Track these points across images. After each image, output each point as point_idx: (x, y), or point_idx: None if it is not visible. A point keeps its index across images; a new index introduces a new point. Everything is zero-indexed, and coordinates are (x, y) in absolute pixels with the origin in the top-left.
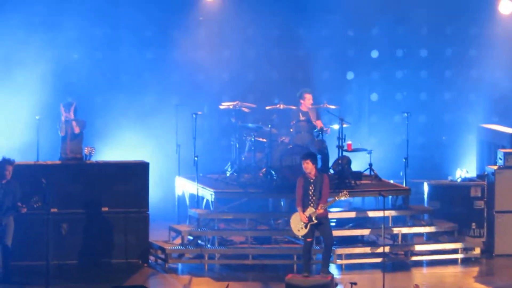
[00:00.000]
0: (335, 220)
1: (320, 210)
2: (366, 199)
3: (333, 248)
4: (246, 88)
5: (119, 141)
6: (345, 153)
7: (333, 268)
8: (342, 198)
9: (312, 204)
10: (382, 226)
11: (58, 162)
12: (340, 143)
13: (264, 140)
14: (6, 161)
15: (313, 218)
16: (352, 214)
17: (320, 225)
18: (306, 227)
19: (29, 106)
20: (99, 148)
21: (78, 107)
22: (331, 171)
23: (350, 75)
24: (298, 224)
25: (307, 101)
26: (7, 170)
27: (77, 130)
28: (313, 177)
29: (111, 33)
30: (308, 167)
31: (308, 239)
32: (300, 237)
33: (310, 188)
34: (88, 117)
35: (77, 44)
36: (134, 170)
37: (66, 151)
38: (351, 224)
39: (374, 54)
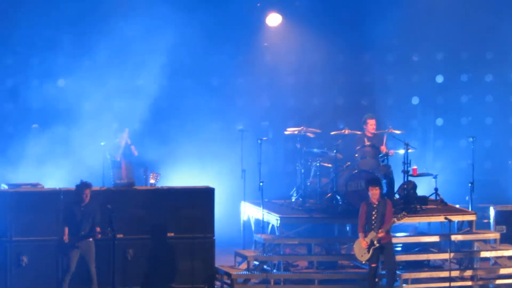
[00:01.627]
0: (401, 245)
1: (381, 234)
2: (432, 223)
3: (398, 272)
4: (311, 113)
5: (185, 167)
6: (410, 178)
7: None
8: (402, 221)
9: (374, 229)
10: (449, 250)
11: (124, 188)
12: (406, 168)
13: (330, 165)
14: (84, 185)
15: (375, 242)
16: (419, 239)
17: (383, 250)
18: (368, 251)
19: (93, 132)
20: (164, 174)
21: (141, 133)
22: (397, 195)
23: (415, 100)
24: (361, 249)
25: (370, 126)
26: (85, 194)
27: (136, 153)
28: (376, 202)
29: (175, 59)
30: (376, 193)
31: (373, 265)
32: (364, 262)
33: (374, 213)
34: (154, 143)
35: (142, 69)
36: (199, 196)
37: (121, 176)
38: (417, 249)
39: (439, 79)
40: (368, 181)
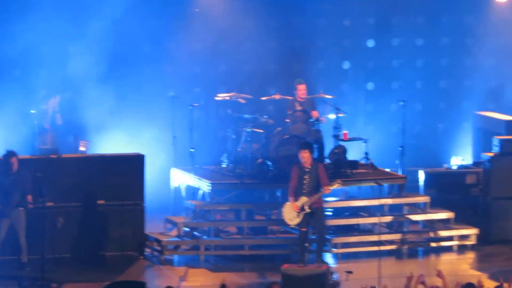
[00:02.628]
0: (331, 209)
1: (328, 191)
2: (362, 187)
3: (329, 237)
4: (243, 79)
5: (114, 134)
6: (341, 143)
7: (329, 257)
8: (336, 187)
9: (305, 194)
10: (378, 214)
11: (54, 156)
12: (336, 133)
13: (261, 131)
14: (10, 153)
15: (306, 207)
16: (349, 203)
17: (314, 215)
18: (298, 216)
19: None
20: (94, 141)
21: (72, 100)
22: (327, 160)
23: (346, 65)
24: (290, 213)
25: (300, 91)
26: (10, 162)
27: (60, 122)
28: (309, 167)
29: (107, 25)
30: (305, 156)
31: (303, 229)
32: (293, 226)
33: (305, 177)
34: (83, 110)
35: (74, 36)
36: (129, 163)
37: (46, 142)
38: (347, 213)
39: (370, 43)
40: (299, 145)
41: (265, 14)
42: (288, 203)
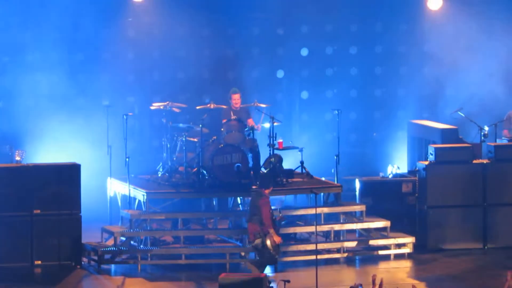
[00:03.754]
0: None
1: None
2: (298, 196)
3: None
4: (177, 88)
5: (49, 143)
6: (276, 151)
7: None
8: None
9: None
10: (315, 223)
11: None
12: (271, 142)
13: (195, 139)
14: None
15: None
16: (284, 212)
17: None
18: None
19: None
20: (29, 151)
21: (6, 109)
22: (263, 169)
23: (280, 74)
24: (274, 247)
25: (234, 100)
26: None
27: None
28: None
29: (40, 34)
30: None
31: None
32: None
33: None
34: (18, 119)
35: (6, 45)
36: (65, 172)
37: None
38: (283, 222)
39: (304, 52)
40: (272, 184)
41: (198, 22)
42: (269, 236)
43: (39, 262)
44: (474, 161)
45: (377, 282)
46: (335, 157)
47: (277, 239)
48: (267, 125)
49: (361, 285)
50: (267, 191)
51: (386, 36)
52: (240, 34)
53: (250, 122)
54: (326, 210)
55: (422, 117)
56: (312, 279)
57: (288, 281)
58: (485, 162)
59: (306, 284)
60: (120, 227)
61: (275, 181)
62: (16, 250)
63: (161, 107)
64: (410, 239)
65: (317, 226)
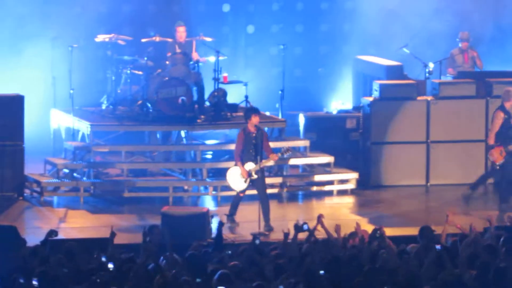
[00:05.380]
0: (211, 152)
1: (276, 157)
2: None
3: (209, 180)
4: (122, 20)
5: None
6: (221, 86)
7: (209, 200)
8: (286, 155)
9: (252, 159)
10: (258, 161)
11: None
12: (216, 76)
13: (140, 72)
14: None
15: (253, 174)
16: (228, 146)
17: (256, 180)
18: (245, 182)
19: None
20: None
21: None
22: (207, 103)
23: (226, 7)
24: (236, 178)
25: (179, 34)
26: None
27: None
28: (255, 132)
29: None
30: (256, 121)
31: (241, 194)
32: (238, 191)
33: (253, 142)
34: None
35: None
36: (8, 103)
37: None
38: (227, 156)
39: None
40: (253, 111)
41: None
42: (235, 168)
43: None
44: (418, 98)
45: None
46: (280, 92)
47: (243, 173)
48: (212, 58)
49: (306, 223)
50: (249, 123)
51: None
52: None
53: (195, 55)
54: (270, 144)
55: (368, 53)
56: (255, 213)
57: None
58: (429, 99)
59: (248, 218)
60: (63, 159)
61: (219, 115)
62: None
63: (106, 40)
64: (353, 175)
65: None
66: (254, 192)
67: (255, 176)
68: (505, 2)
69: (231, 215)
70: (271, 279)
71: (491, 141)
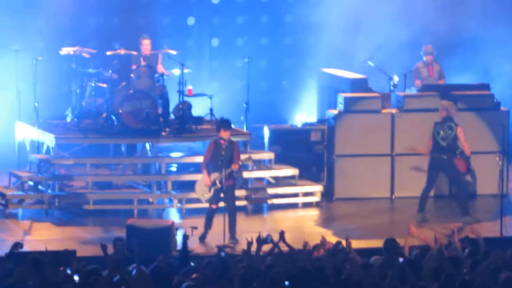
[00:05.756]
0: (176, 165)
1: (237, 167)
2: (207, 143)
3: (173, 192)
4: (87, 33)
5: None
6: (186, 98)
7: (174, 212)
8: (246, 162)
9: (219, 169)
10: (222, 171)
11: None
12: (181, 88)
13: (105, 85)
14: None
15: (217, 182)
16: (193, 159)
17: (225, 193)
18: (209, 191)
19: None
20: None
21: None
22: (172, 116)
23: (190, 20)
24: (202, 188)
25: (144, 47)
26: None
27: None
28: (226, 144)
29: None
30: (226, 135)
31: (213, 206)
32: (204, 201)
33: (222, 153)
34: None
35: None
36: None
37: None
38: (192, 169)
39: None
40: (221, 123)
41: None
42: (201, 178)
43: None
44: (383, 111)
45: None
46: (244, 105)
47: (206, 181)
48: (177, 71)
49: (269, 235)
50: (220, 134)
51: None
52: None
53: (160, 68)
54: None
55: (332, 66)
56: (221, 226)
57: (196, 228)
58: (393, 111)
59: (214, 231)
60: (28, 172)
61: (184, 127)
62: None
63: (71, 52)
64: (318, 188)
65: (223, 172)
66: (220, 204)
67: (219, 185)
68: (466, 13)
69: (206, 229)
70: None
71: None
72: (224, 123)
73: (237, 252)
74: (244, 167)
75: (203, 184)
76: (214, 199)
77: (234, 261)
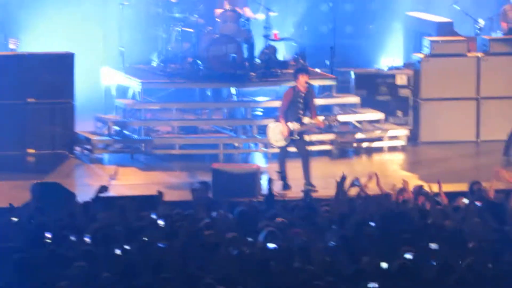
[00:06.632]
0: (262, 109)
1: (323, 125)
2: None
3: (259, 136)
4: None
5: (44, 32)
6: (271, 43)
7: (259, 157)
8: (333, 123)
9: (297, 119)
10: (304, 119)
11: None
12: (267, 33)
13: (191, 30)
14: None
15: (295, 134)
16: (279, 103)
17: (299, 140)
18: (285, 140)
19: None
20: (24, 40)
21: None
22: (258, 60)
23: None
24: (276, 134)
25: None
26: None
27: None
28: (304, 91)
29: None
30: (304, 81)
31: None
32: (276, 146)
33: (300, 101)
34: (12, 7)
35: None
36: (59, 61)
37: None
38: (277, 113)
39: None
40: (302, 71)
41: None
42: (277, 123)
43: (33, 150)
44: (469, 54)
45: (373, 178)
46: (330, 49)
47: (284, 131)
48: (262, 16)
49: (357, 178)
50: (297, 82)
51: None
52: None
53: (247, 11)
54: (321, 101)
55: (418, 9)
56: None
57: (281, 172)
58: (479, 55)
59: (300, 175)
60: (114, 117)
61: (270, 72)
62: (10, 138)
63: None
64: (403, 132)
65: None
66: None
67: (296, 137)
68: None
69: (282, 173)
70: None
71: None
72: (302, 68)
73: (322, 197)
74: (329, 127)
75: (277, 131)
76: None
77: (319, 205)
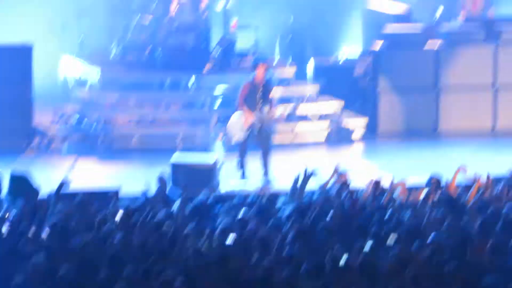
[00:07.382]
0: (220, 99)
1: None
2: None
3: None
4: None
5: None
6: (230, 31)
7: (220, 146)
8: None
9: (255, 110)
10: (263, 109)
11: None
12: (225, 21)
13: (150, 16)
14: None
15: (256, 125)
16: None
17: (262, 131)
18: (245, 131)
19: None
20: None
21: None
22: (216, 50)
23: None
24: (236, 128)
25: None
26: None
27: None
28: (262, 82)
29: None
30: (262, 72)
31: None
32: (233, 143)
33: (259, 92)
34: None
35: None
36: (18, 54)
37: None
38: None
39: None
40: (256, 60)
41: None
42: (238, 117)
43: None
44: (427, 44)
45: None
46: (289, 38)
47: (248, 119)
48: (220, 5)
49: (315, 169)
50: (256, 72)
51: None
52: None
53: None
54: (280, 91)
55: None
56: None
57: (241, 168)
58: (437, 45)
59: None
60: (73, 107)
61: (229, 61)
62: None
63: None
64: (361, 121)
65: None
66: None
67: (257, 128)
68: None
69: (243, 166)
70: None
71: None
72: (259, 59)
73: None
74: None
75: (237, 124)
76: (247, 138)
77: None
